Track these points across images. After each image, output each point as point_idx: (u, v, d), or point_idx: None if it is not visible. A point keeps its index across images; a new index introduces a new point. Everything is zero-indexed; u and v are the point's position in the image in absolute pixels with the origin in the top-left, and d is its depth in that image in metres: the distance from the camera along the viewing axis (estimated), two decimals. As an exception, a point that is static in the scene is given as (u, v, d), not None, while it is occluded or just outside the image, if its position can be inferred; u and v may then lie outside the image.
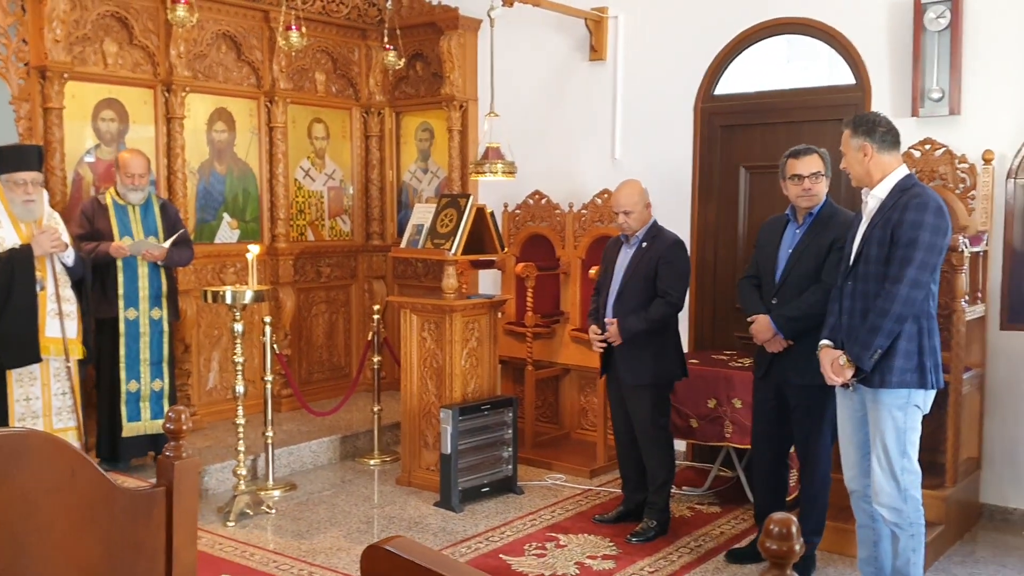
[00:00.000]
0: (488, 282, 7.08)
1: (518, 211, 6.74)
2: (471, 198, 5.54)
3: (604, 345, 4.77)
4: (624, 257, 4.83)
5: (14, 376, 4.70)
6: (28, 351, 4.68)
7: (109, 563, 1.54)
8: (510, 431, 5.49)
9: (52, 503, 1.48)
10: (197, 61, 6.35)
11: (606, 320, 4.75)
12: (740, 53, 5.90)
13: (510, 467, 5.50)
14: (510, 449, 5.49)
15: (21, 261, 4.66)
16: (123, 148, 5.86)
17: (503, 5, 5.77)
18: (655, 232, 4.79)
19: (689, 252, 5.03)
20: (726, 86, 5.97)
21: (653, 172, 5.83)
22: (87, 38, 5.79)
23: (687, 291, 4.76)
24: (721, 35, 5.91)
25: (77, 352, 4.92)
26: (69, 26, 5.58)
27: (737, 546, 4.62)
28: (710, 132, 6.02)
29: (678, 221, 5.61)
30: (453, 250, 5.38)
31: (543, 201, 6.61)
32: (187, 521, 1.64)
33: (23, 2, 5.48)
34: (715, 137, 6.00)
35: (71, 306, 4.89)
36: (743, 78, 5.91)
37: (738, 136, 5.94)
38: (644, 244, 4.75)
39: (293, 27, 5.72)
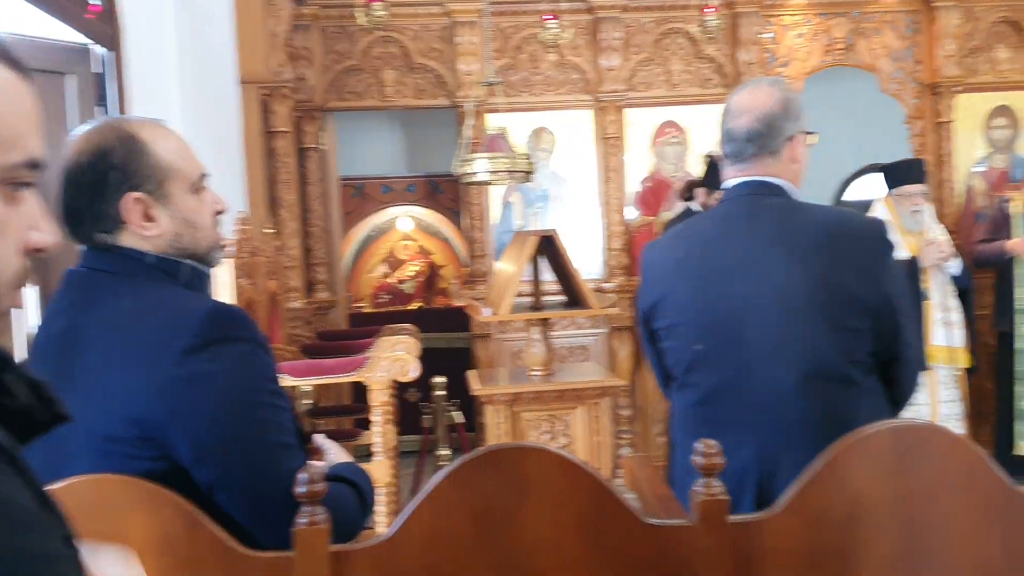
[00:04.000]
0: None
1: None
2: None
3: None
4: None
5: (904, 383, 4.99)
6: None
7: (1007, 566, 1.55)
8: None
9: (951, 499, 1.54)
10: (1101, 53, 5.82)
11: None
12: None
13: None
14: None
15: (910, 272, 4.91)
16: (1015, 156, 5.73)
17: None
18: None
19: None
20: None
21: None
22: (977, 49, 5.80)
23: None
24: None
25: (963, 361, 4.97)
26: (961, 40, 5.69)
27: None
28: None
29: None
30: None
31: None
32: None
33: (918, 24, 5.77)
34: None
35: (956, 315, 4.96)
36: None
37: None
38: None
39: None
